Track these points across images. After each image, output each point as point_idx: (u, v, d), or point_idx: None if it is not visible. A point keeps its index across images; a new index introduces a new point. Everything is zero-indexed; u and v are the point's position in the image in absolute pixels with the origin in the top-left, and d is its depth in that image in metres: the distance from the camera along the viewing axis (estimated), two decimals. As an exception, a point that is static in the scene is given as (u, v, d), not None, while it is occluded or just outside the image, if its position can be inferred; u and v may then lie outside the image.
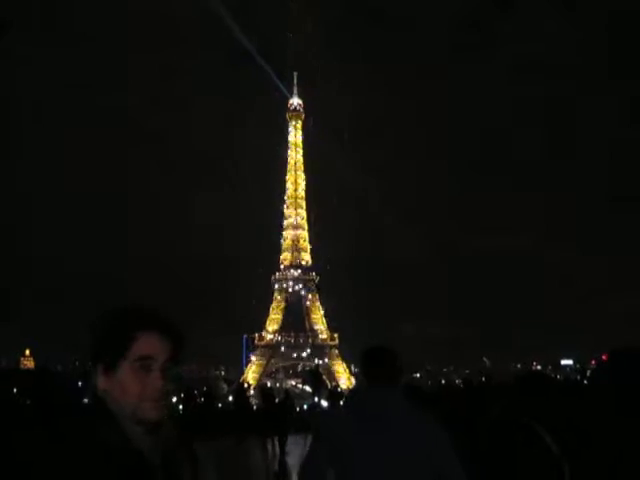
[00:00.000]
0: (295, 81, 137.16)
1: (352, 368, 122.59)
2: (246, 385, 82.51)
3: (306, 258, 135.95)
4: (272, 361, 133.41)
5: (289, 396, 21.03)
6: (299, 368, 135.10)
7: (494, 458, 3.25)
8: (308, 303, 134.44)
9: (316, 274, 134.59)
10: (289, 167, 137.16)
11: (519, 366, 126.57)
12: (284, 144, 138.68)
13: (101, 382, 1.73)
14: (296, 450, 16.00)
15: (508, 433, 3.31)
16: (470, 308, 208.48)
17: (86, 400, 1.83)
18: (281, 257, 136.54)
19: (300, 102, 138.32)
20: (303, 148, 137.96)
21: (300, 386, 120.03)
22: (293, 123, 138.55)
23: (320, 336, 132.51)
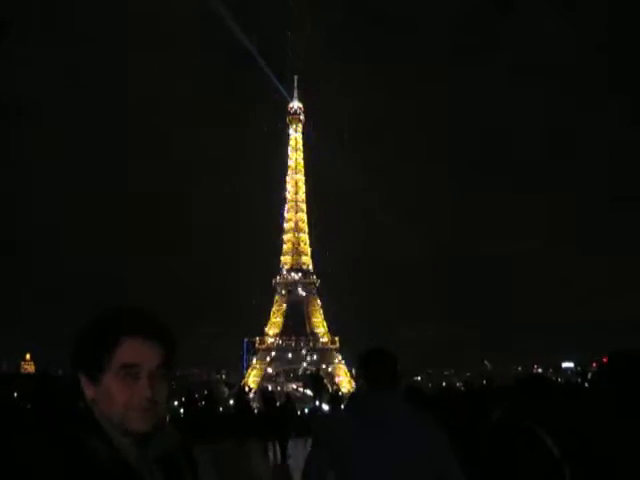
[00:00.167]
0: (295, 84, 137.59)
1: (353, 371, 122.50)
2: (247, 389, 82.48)
3: (307, 261, 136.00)
4: (273, 365, 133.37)
5: (290, 400, 21.01)
6: (300, 372, 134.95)
7: (495, 461, 3.25)
8: (309, 306, 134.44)
9: (317, 277, 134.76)
10: (289, 170, 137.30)
11: (520, 369, 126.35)
12: (284, 147, 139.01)
13: (88, 391, 1.63)
14: (297, 454, 15.99)
15: (509, 436, 3.31)
16: (471, 310, 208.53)
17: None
18: (282, 260, 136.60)
19: (300, 105, 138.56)
20: (303, 151, 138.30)
21: (301, 390, 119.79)
22: (293, 126, 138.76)
23: (321, 339, 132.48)
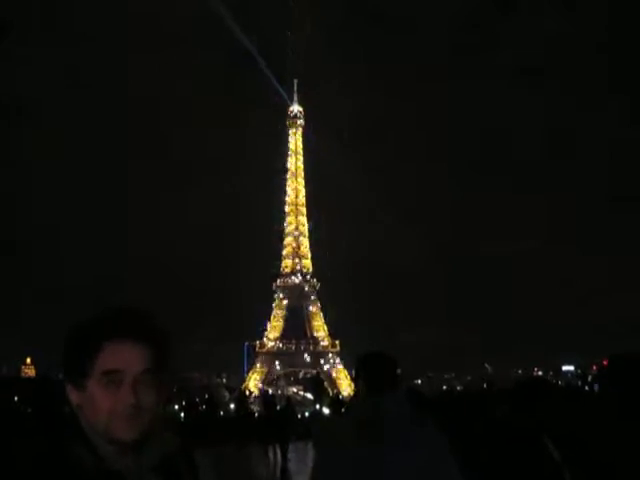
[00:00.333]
0: (295, 88, 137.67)
1: (353, 375, 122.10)
2: (248, 392, 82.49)
3: (307, 265, 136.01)
4: (273, 368, 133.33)
5: (290, 403, 21.02)
6: (300, 375, 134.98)
7: (495, 464, 3.25)
8: (309, 310, 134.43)
9: (317, 281, 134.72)
10: (289, 174, 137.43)
11: (520, 372, 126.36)
12: (284, 149, 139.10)
13: (73, 397, 1.56)
14: (297, 457, 15.98)
15: (509, 439, 3.31)
16: (471, 313, 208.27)
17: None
18: (282, 264, 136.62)
19: (300, 109, 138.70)
20: (303, 155, 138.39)
21: (302, 393, 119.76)
22: (293, 130, 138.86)
23: (321, 343, 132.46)
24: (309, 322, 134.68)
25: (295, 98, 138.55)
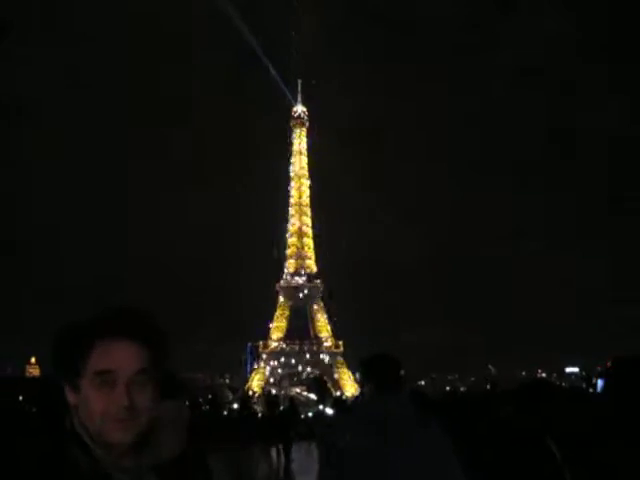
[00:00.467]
0: (299, 88, 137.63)
1: (357, 375, 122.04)
2: (251, 393, 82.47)
3: (310, 265, 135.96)
4: (277, 369, 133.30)
5: (294, 404, 21.02)
6: (304, 376, 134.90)
7: (499, 465, 3.26)
8: (313, 310, 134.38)
9: (321, 281, 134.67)
10: (293, 174, 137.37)
11: (524, 373, 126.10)
12: (288, 149, 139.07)
13: (70, 398, 1.51)
14: (301, 457, 15.99)
15: (513, 440, 3.32)
16: (473, 314, 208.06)
17: None
18: (285, 264, 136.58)
19: (304, 110, 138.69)
20: (307, 155, 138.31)
21: (305, 394, 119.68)
22: (297, 131, 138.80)
23: (325, 343, 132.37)
24: (313, 323, 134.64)
25: (299, 99, 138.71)
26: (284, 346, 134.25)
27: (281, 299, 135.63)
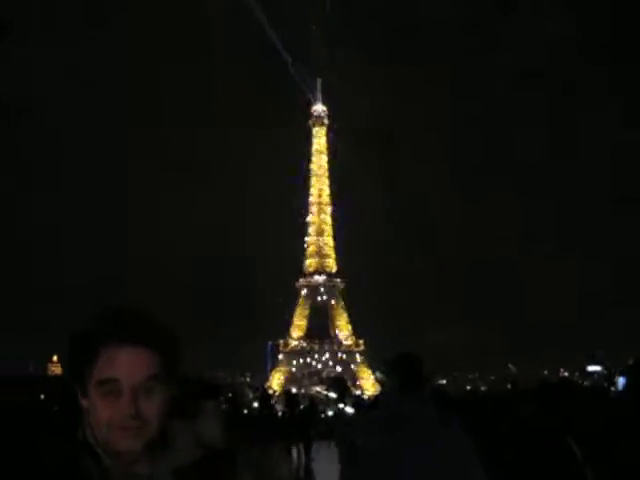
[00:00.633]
0: (319, 87, 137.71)
1: (377, 374, 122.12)
2: (271, 391, 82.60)
3: (330, 264, 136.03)
4: (297, 367, 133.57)
5: (314, 402, 21.06)
6: (324, 374, 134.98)
7: (519, 463, 3.26)
8: (333, 309, 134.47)
9: (341, 280, 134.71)
10: (313, 173, 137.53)
11: (546, 372, 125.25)
12: (308, 148, 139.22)
13: (83, 403, 1.45)
14: (321, 456, 16.01)
15: (534, 439, 3.32)
16: (494, 313, 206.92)
17: None
18: (306, 263, 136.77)
19: (324, 109, 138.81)
20: (327, 154, 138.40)
21: (325, 392, 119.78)
22: (317, 129, 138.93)
23: (345, 342, 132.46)
24: (333, 321, 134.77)
25: (319, 97, 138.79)
26: (304, 345, 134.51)
27: (301, 298, 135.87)
